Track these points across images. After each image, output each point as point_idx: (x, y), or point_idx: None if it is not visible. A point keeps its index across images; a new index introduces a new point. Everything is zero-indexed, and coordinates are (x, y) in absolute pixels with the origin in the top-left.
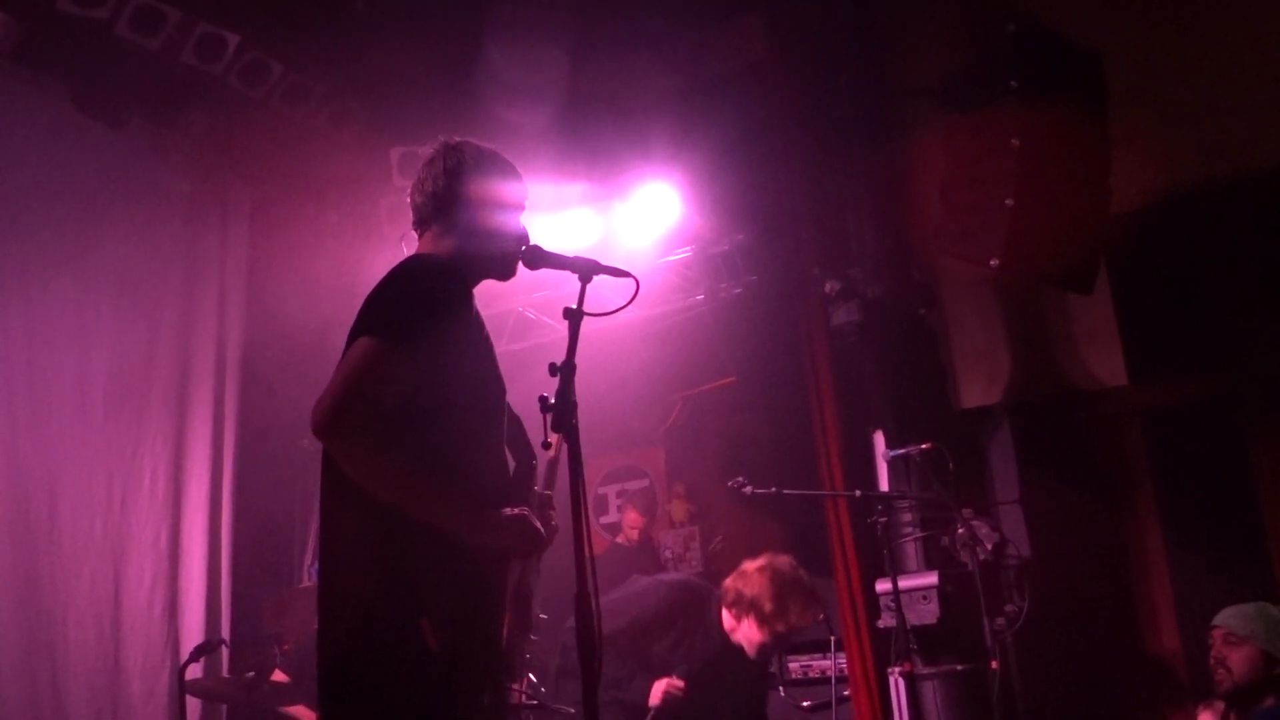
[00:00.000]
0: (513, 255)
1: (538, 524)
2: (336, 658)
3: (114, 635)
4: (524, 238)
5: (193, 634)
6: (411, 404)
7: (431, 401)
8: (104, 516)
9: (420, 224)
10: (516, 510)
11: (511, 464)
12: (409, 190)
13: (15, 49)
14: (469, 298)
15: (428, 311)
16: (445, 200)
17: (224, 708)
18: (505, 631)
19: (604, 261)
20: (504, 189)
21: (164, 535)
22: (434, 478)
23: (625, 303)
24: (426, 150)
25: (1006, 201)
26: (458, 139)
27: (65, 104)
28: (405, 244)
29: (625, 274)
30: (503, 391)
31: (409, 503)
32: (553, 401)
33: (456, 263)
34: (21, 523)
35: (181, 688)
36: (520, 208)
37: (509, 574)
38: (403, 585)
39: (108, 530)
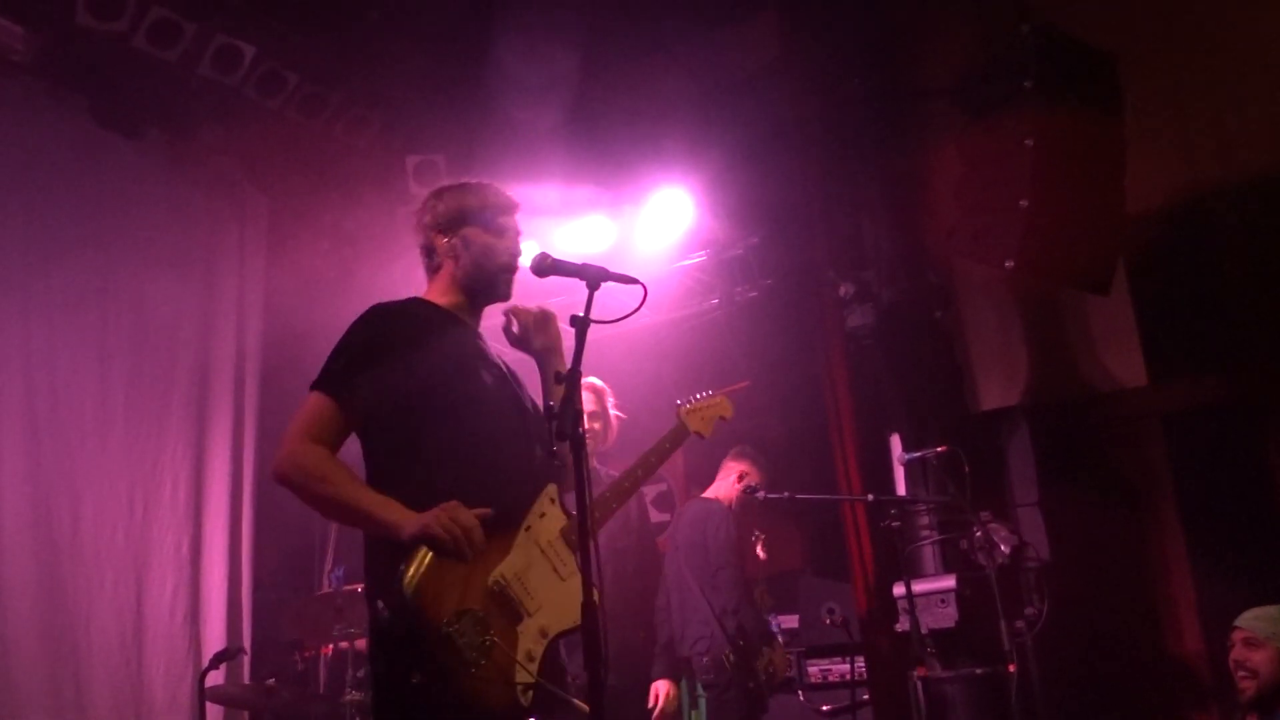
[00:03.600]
0: (500, 281)
1: (460, 517)
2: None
3: (136, 642)
4: (505, 266)
5: (214, 641)
6: (372, 430)
7: (387, 425)
8: (125, 525)
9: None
10: (438, 507)
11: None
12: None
13: (34, 62)
14: (408, 333)
15: (350, 360)
16: (430, 253)
17: (245, 714)
18: (448, 622)
19: (616, 268)
20: (474, 230)
21: (185, 543)
22: (356, 498)
23: (632, 310)
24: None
25: (1021, 203)
26: (431, 193)
27: (84, 116)
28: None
29: (634, 281)
30: (480, 401)
31: (346, 521)
32: (557, 410)
33: (425, 301)
34: (44, 531)
35: (202, 694)
36: (500, 230)
37: (474, 567)
38: (372, 576)
39: (129, 538)
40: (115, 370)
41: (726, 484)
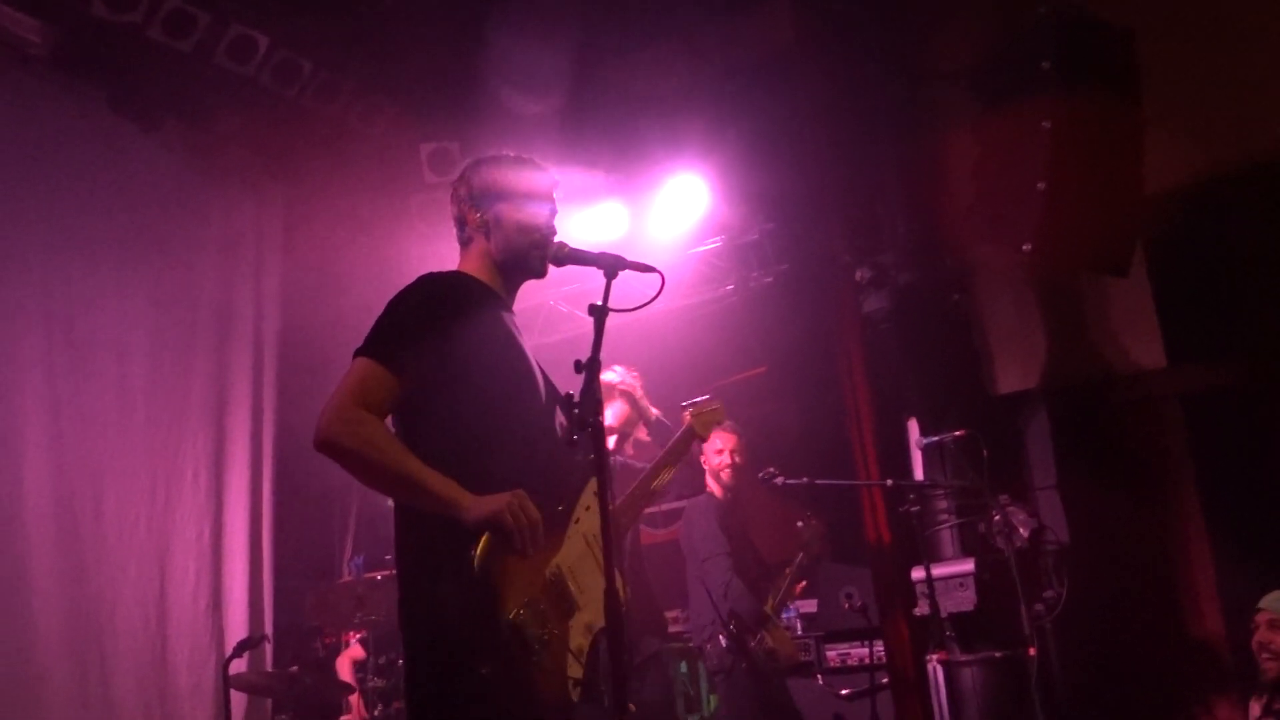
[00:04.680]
0: (533, 258)
1: (529, 509)
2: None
3: (160, 630)
4: (538, 243)
5: (236, 628)
6: (416, 406)
7: (434, 402)
8: (148, 514)
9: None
10: (509, 494)
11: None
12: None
13: (51, 54)
14: (461, 306)
15: (404, 328)
16: (461, 225)
17: (268, 701)
18: (517, 612)
19: (632, 255)
20: (508, 206)
21: (206, 532)
22: (416, 472)
23: (650, 298)
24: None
25: (1039, 185)
26: (470, 162)
27: (101, 108)
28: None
29: (651, 269)
30: (527, 385)
31: (397, 495)
32: (577, 399)
33: (468, 275)
34: (69, 521)
35: (226, 681)
36: (535, 207)
37: (530, 557)
38: (428, 561)
39: (152, 528)
40: (135, 360)
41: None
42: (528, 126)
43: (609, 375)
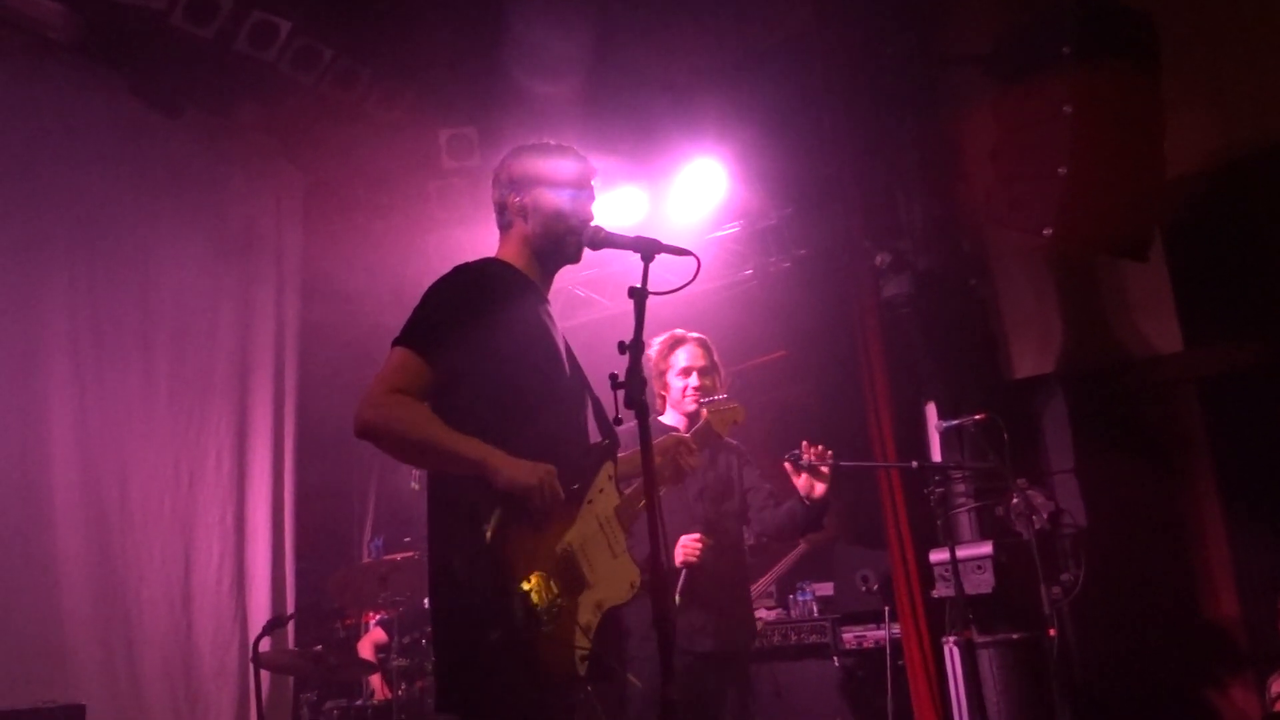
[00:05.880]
0: (569, 243)
1: (555, 484)
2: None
3: (185, 610)
4: (573, 228)
5: (259, 609)
6: (448, 392)
7: (464, 389)
8: (172, 497)
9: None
10: (543, 468)
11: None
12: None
13: (74, 40)
14: (494, 297)
15: (440, 319)
16: (501, 211)
17: (290, 679)
18: (527, 582)
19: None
20: (546, 190)
21: (230, 514)
22: (446, 438)
23: (688, 280)
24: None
25: (1059, 170)
26: (511, 150)
27: (124, 94)
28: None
29: (686, 252)
30: (558, 372)
31: (432, 463)
32: (623, 379)
33: (503, 263)
34: (95, 505)
35: (256, 661)
36: (571, 193)
37: (542, 533)
38: (446, 532)
39: (176, 510)
40: (159, 344)
41: None
42: (546, 111)
43: (675, 331)
